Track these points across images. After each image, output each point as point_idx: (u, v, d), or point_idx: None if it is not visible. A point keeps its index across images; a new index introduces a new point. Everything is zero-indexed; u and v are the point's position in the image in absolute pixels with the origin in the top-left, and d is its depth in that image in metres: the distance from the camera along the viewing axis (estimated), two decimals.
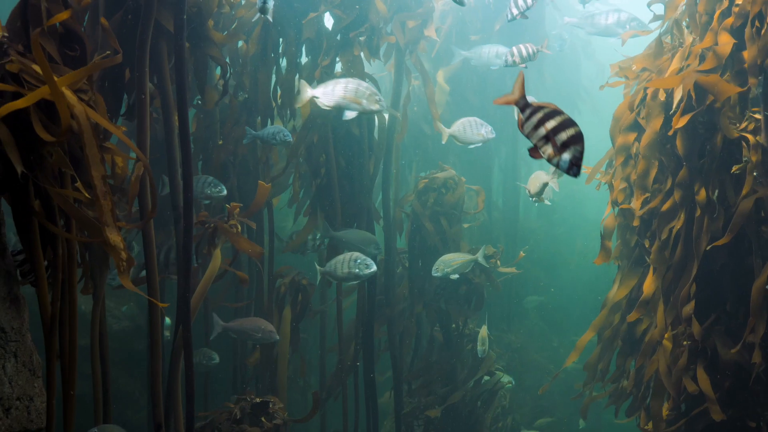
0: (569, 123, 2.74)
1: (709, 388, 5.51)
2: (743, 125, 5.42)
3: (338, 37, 7.34)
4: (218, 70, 7.21)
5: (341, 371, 8.05)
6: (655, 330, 5.96)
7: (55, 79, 3.40)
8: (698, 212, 5.59)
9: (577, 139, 2.73)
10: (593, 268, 11.91)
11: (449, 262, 7.09)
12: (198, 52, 5.79)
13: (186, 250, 5.24)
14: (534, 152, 2.83)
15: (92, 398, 4.88)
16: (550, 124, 2.75)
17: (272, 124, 7.54)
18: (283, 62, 7.47)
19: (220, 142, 7.36)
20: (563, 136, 2.73)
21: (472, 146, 6.82)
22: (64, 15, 3.69)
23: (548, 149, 2.78)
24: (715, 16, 5.47)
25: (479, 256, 7.17)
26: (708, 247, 5.48)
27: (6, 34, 3.65)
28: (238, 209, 5.80)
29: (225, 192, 6.45)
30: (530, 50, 6.76)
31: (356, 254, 6.52)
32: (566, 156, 2.73)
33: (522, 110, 2.82)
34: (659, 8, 6.55)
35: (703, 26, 5.61)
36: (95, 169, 3.62)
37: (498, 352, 9.92)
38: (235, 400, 6.18)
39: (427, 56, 8.88)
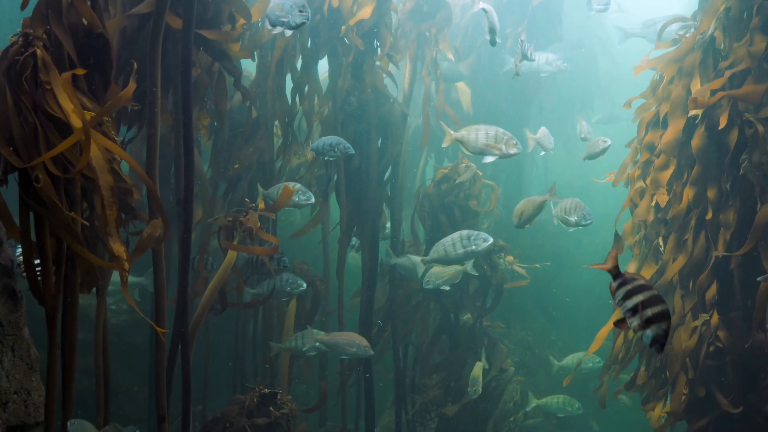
0: (657, 300, 2.83)
1: (725, 376, 5.57)
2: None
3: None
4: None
5: (343, 369, 8.02)
6: (672, 317, 5.90)
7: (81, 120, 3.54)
8: (710, 213, 5.68)
9: (664, 317, 2.81)
10: (601, 261, 11.82)
11: (440, 274, 7.12)
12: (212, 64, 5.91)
13: (185, 245, 5.21)
14: (621, 323, 2.96)
15: (90, 393, 4.84)
16: (639, 297, 2.85)
17: (292, 135, 7.64)
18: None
19: (236, 166, 7.37)
20: (649, 312, 2.81)
21: (485, 160, 5.98)
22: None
23: (634, 321, 2.88)
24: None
25: (468, 266, 7.17)
26: (721, 253, 5.59)
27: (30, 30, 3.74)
28: (262, 205, 5.99)
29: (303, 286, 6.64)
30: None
31: (466, 231, 6.66)
32: (650, 332, 2.82)
33: (614, 278, 2.97)
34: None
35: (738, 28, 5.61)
36: (103, 179, 3.70)
37: (510, 347, 9.86)
38: (246, 392, 6.22)
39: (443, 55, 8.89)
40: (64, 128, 3.68)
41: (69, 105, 3.63)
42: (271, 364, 7.55)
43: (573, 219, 6.30)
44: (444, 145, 6.29)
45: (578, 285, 12.32)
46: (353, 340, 6.62)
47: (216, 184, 7.44)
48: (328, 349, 6.76)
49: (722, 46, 5.74)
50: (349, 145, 6.55)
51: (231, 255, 5.62)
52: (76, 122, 3.58)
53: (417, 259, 7.28)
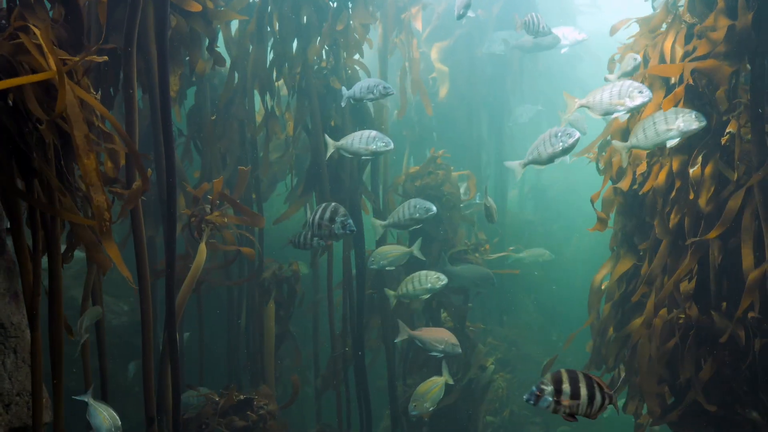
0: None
1: (702, 371, 5.49)
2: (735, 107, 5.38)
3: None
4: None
5: (334, 364, 8.04)
6: (649, 307, 5.89)
7: (55, 63, 3.46)
8: (691, 193, 5.55)
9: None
10: (589, 262, 11.90)
11: (385, 255, 7.06)
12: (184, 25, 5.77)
13: (169, 239, 5.18)
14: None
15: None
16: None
17: (272, 100, 7.53)
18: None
19: (213, 117, 7.26)
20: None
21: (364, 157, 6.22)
22: None
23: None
24: None
25: (414, 249, 7.12)
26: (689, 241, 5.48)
27: None
28: (221, 185, 5.79)
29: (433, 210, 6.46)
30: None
31: (414, 200, 6.61)
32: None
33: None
34: None
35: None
36: (78, 127, 3.59)
37: (494, 344, 9.87)
38: (219, 393, 6.17)
39: (417, 32, 8.82)
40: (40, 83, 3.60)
41: (47, 45, 3.53)
42: (260, 361, 7.59)
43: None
44: (567, 116, 6.02)
45: (567, 283, 12.36)
46: (442, 338, 6.56)
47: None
48: (420, 344, 6.71)
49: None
50: (388, 84, 6.05)
51: (201, 255, 5.57)
52: (52, 64, 3.48)
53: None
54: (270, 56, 7.55)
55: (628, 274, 6.33)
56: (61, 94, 3.44)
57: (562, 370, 3.41)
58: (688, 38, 5.68)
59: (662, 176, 5.79)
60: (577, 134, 5.25)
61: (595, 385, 3.43)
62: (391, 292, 7.05)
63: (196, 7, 5.64)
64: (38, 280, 3.79)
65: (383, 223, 6.74)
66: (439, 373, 6.64)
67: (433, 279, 6.74)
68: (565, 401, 3.38)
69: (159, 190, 5.50)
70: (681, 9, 5.81)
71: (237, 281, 7.51)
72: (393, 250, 7.08)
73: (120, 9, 5.17)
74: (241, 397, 6.03)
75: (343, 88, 6.48)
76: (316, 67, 7.56)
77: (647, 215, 6.13)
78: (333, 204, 5.42)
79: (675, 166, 5.64)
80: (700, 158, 5.50)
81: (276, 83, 7.58)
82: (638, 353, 5.91)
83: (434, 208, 6.39)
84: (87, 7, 4.90)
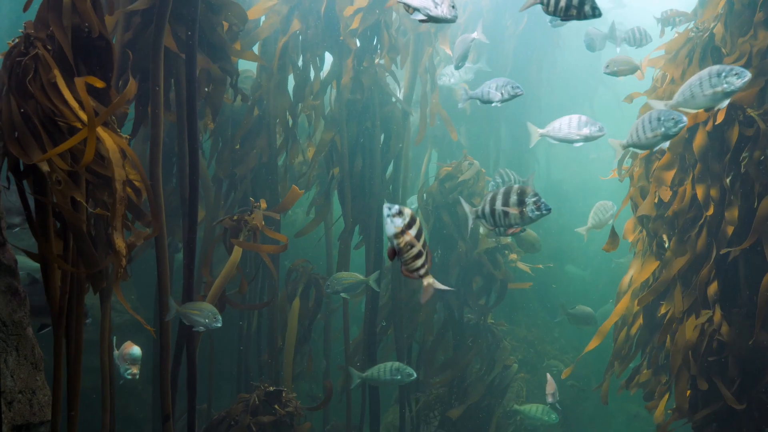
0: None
1: (727, 372, 5.53)
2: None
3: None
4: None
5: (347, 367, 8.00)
6: (674, 312, 5.95)
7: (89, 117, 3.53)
8: (711, 209, 5.62)
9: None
10: (600, 259, 11.85)
11: (341, 281, 7.19)
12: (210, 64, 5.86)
13: (190, 244, 5.22)
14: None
15: (95, 392, 4.86)
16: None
17: (294, 134, 7.62)
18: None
19: (237, 146, 7.40)
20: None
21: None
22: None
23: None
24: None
25: (371, 280, 7.30)
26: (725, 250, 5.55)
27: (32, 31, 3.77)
28: (264, 204, 6.01)
29: None
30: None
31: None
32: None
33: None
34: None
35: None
36: (117, 172, 3.73)
37: (513, 345, 9.84)
38: (251, 390, 6.21)
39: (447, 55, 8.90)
40: (67, 130, 3.71)
41: (74, 102, 3.65)
42: (275, 361, 7.56)
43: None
44: (531, 145, 5.88)
45: (581, 282, 12.31)
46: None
47: (219, 182, 7.45)
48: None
49: (724, 43, 5.71)
50: (518, 84, 5.52)
51: (236, 253, 5.62)
52: (83, 115, 3.60)
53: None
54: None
55: (654, 275, 6.34)
56: (90, 145, 3.51)
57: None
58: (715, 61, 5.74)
59: (687, 198, 5.89)
60: (684, 119, 4.86)
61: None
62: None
63: (235, 48, 5.86)
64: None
65: (620, 142, 5.68)
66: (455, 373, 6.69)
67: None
68: None
69: (181, 189, 5.50)
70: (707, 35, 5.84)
71: (260, 304, 7.50)
72: (349, 277, 7.21)
73: (143, 37, 5.22)
74: (271, 389, 6.07)
75: (465, 89, 6.10)
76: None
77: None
78: (513, 186, 4.43)
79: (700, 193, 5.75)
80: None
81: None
82: (671, 352, 5.94)
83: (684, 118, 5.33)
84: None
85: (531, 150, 11.59)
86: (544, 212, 4.23)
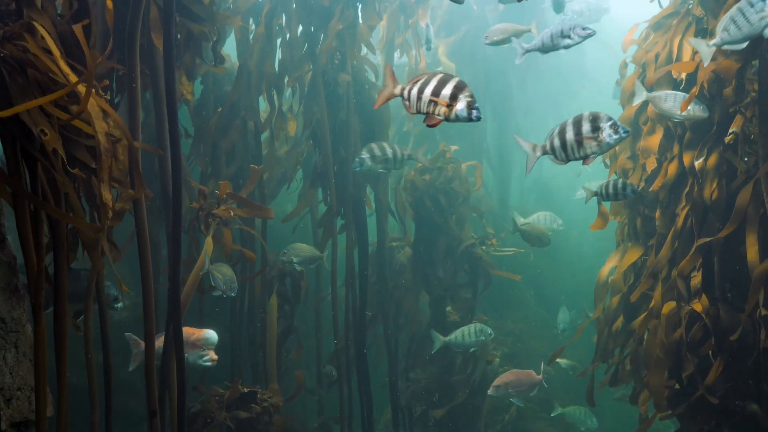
0: (447, 79, 2.93)
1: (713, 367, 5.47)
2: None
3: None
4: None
5: (337, 358, 8.07)
6: (656, 301, 5.90)
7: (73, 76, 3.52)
8: (694, 184, 5.53)
9: (462, 88, 2.88)
10: (590, 255, 11.87)
11: (297, 251, 7.30)
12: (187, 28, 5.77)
13: (175, 238, 5.17)
14: (429, 119, 3.02)
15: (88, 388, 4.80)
16: (429, 89, 2.94)
17: (278, 98, 7.55)
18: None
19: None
20: (447, 91, 2.90)
21: None
22: None
23: (440, 109, 2.95)
24: None
25: (325, 256, 7.48)
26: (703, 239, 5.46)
27: None
28: (229, 188, 5.83)
29: None
30: None
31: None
32: (460, 105, 2.88)
33: (402, 96, 3.06)
34: None
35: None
36: (99, 125, 3.71)
37: (500, 338, 9.88)
38: (224, 386, 6.18)
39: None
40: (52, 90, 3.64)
41: (62, 62, 3.60)
42: (263, 353, 7.60)
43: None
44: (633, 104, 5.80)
45: (568, 276, 12.34)
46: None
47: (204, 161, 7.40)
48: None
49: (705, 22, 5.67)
50: (588, 26, 4.95)
51: (207, 247, 5.57)
52: (71, 76, 3.56)
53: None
54: (278, 56, 7.61)
55: (635, 266, 6.32)
56: (84, 101, 3.50)
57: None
58: (698, 33, 5.66)
59: (672, 171, 5.78)
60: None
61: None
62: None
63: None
64: (41, 275, 3.76)
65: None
66: (440, 368, 6.80)
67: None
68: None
69: (163, 184, 5.40)
70: (691, 6, 5.78)
71: (246, 276, 7.49)
72: (306, 250, 7.41)
73: (122, 4, 5.11)
74: (245, 390, 6.04)
75: (518, 43, 5.37)
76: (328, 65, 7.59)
77: (653, 209, 6.11)
78: (583, 114, 4.04)
79: (686, 161, 5.62)
80: (705, 150, 5.50)
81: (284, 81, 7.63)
82: (646, 346, 5.91)
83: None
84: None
85: (519, 148, 11.61)
86: (623, 135, 3.94)
